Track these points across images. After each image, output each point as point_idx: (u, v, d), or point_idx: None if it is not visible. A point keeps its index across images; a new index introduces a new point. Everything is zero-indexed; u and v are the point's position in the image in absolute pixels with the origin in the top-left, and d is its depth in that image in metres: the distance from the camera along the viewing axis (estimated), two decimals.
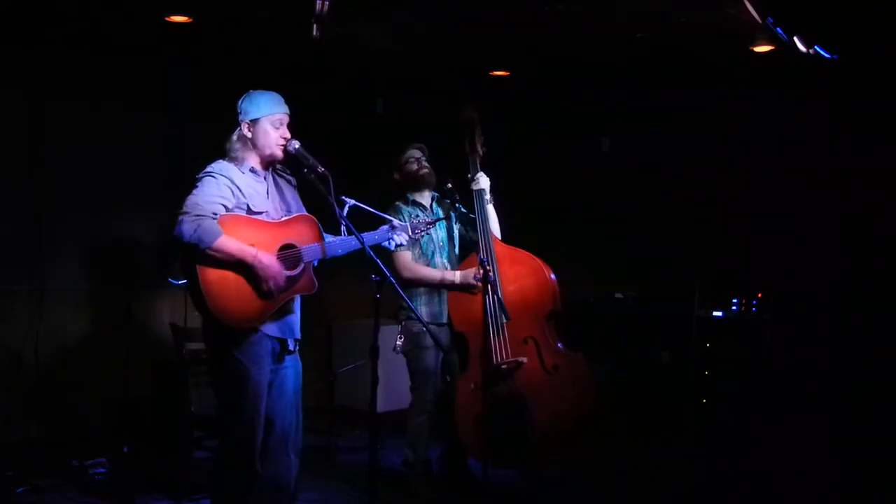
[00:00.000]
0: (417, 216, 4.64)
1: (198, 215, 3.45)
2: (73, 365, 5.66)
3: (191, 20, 5.00)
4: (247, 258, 3.51)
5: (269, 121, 3.70)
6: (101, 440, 5.33)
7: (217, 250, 3.46)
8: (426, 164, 4.82)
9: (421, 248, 4.74)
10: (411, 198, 4.81)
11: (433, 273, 4.68)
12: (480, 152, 4.76)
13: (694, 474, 5.08)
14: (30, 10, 4.88)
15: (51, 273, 5.57)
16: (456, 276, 4.62)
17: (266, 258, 3.55)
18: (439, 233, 4.81)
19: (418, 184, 4.80)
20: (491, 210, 4.70)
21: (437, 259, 4.76)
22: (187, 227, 3.42)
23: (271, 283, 3.56)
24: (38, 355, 5.50)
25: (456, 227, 4.89)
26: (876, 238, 5.65)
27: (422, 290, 4.73)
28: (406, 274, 4.65)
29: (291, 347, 3.78)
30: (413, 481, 4.76)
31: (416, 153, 4.83)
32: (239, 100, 3.74)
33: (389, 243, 3.96)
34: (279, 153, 3.73)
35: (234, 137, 3.72)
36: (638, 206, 6.57)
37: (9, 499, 4.63)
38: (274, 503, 3.77)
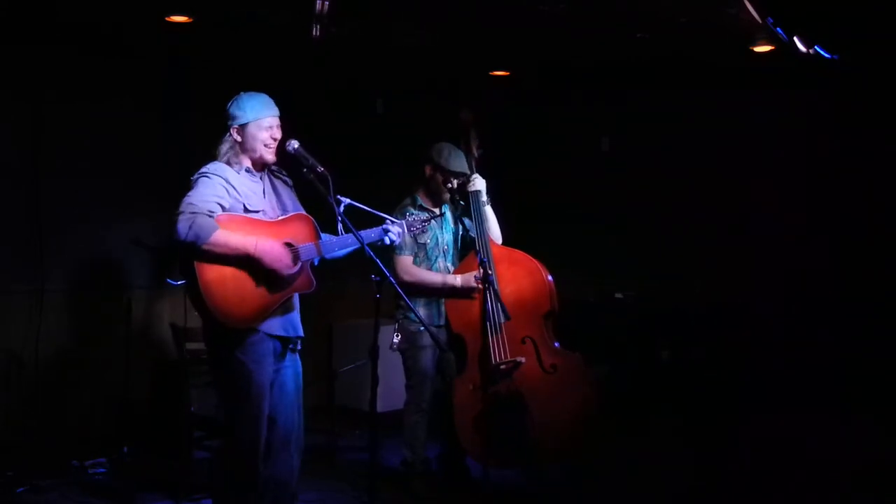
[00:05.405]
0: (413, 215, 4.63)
1: (192, 213, 3.46)
2: (73, 365, 5.64)
3: (191, 20, 5.00)
4: (248, 248, 3.52)
5: (256, 125, 3.71)
6: (101, 440, 5.32)
7: (215, 245, 3.46)
8: (459, 190, 4.69)
9: (426, 251, 4.73)
10: (419, 201, 4.78)
11: (434, 277, 4.67)
12: (476, 154, 4.76)
13: (692, 474, 5.07)
14: (30, 10, 4.88)
15: (50, 273, 5.55)
16: (457, 279, 4.62)
17: (267, 244, 3.56)
18: (445, 236, 4.80)
19: (438, 200, 4.78)
20: (489, 211, 4.69)
21: (441, 263, 4.75)
22: (182, 225, 3.43)
23: (279, 265, 3.56)
24: (38, 355, 5.48)
25: (460, 233, 4.87)
26: (876, 238, 5.64)
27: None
28: (406, 277, 4.63)
29: (293, 345, 3.79)
30: (412, 481, 4.76)
31: (464, 175, 4.68)
32: (227, 104, 3.75)
33: (385, 240, 3.96)
34: (269, 157, 3.74)
35: (224, 142, 3.73)
36: (638, 206, 6.56)
37: (9, 499, 4.63)
38: (276, 502, 3.78)
